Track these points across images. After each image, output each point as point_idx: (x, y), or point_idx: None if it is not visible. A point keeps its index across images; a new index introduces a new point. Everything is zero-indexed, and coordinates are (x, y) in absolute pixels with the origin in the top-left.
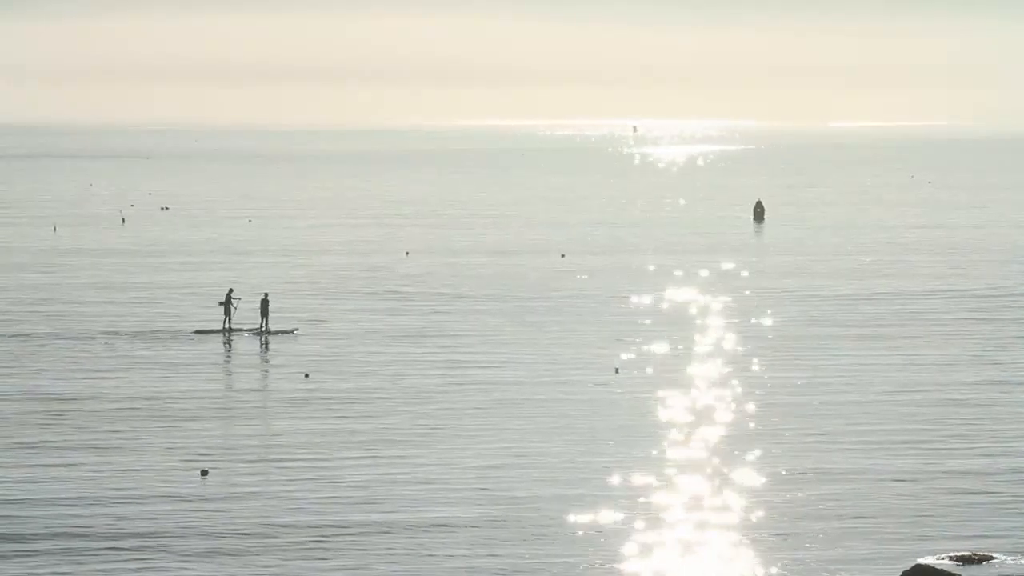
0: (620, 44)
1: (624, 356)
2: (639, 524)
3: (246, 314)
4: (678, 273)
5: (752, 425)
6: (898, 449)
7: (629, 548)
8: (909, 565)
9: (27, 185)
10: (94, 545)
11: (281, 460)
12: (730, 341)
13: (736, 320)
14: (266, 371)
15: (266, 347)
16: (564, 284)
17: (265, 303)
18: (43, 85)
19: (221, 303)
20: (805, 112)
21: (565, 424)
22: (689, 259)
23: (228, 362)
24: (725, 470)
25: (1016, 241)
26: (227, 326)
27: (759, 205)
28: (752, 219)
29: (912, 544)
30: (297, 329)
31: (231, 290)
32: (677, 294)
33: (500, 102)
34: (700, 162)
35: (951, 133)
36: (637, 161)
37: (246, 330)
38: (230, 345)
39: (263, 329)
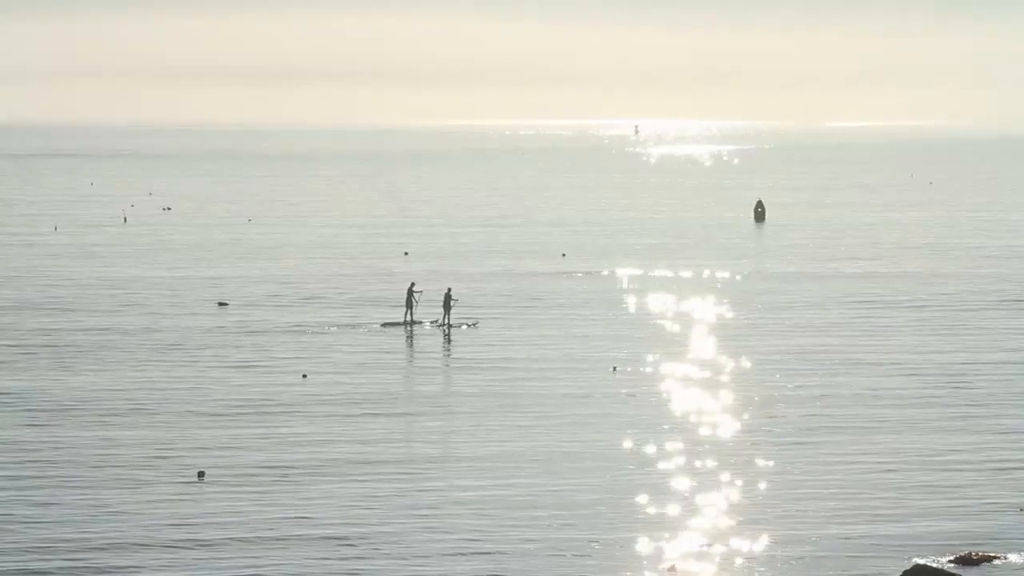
0: (620, 44)
1: (622, 355)
2: (635, 522)
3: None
4: (678, 273)
5: (750, 424)
6: (898, 448)
7: (625, 547)
8: (909, 565)
9: (27, 185)
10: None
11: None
12: (729, 341)
13: (735, 320)
14: (447, 363)
15: (448, 339)
16: (565, 283)
17: (448, 297)
18: (43, 85)
19: (413, 293)
20: (805, 112)
21: (562, 422)
22: (689, 259)
23: (410, 353)
24: (722, 469)
25: (1017, 240)
26: (408, 319)
27: (760, 205)
28: (753, 219)
29: (912, 544)
30: (477, 322)
31: (412, 284)
32: (677, 294)
33: (499, 102)
34: (701, 162)
35: (951, 133)
36: (638, 161)
37: (428, 322)
38: (412, 338)
39: (445, 322)
